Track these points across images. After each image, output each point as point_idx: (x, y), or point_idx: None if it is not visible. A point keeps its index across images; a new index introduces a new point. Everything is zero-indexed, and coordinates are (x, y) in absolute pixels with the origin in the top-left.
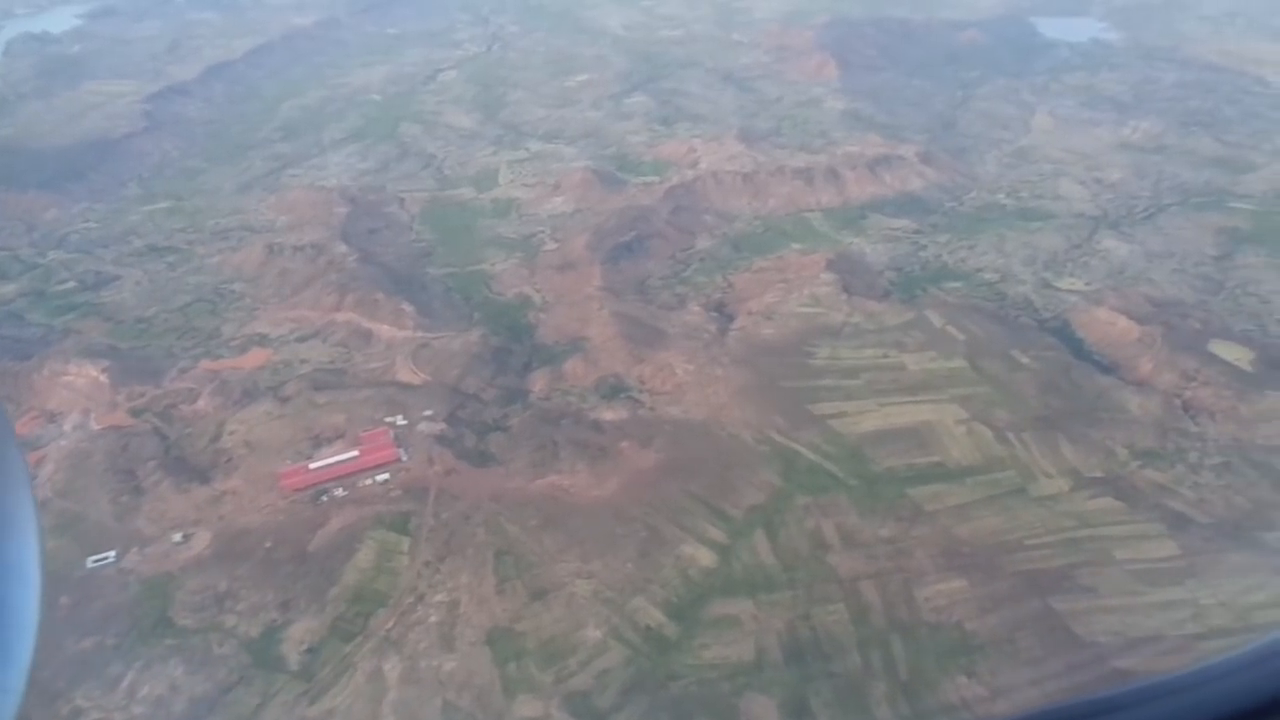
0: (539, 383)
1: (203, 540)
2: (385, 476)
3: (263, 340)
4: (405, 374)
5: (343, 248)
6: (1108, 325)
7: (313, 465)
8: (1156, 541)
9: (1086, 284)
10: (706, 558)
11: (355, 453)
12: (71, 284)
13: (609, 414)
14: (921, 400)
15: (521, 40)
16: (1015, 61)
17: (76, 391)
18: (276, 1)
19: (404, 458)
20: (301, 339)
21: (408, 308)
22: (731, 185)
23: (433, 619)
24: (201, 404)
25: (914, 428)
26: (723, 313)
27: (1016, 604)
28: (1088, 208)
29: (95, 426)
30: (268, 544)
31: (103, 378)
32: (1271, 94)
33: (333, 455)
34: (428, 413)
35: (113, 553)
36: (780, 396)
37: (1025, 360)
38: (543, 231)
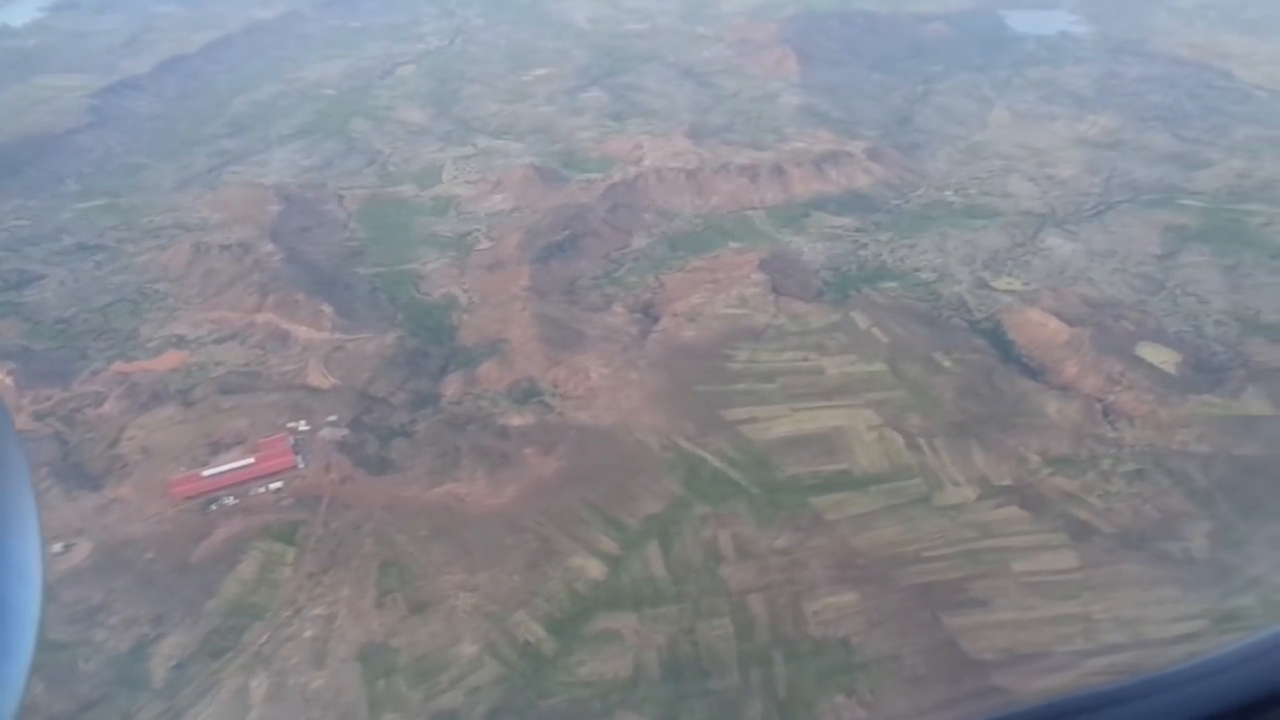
0: (452, 386)
1: (83, 551)
2: (279, 484)
3: (180, 342)
4: (316, 377)
5: (269, 247)
6: (1038, 327)
7: (206, 473)
8: (1057, 553)
9: (1024, 284)
10: (596, 569)
11: (251, 460)
12: None
13: (517, 419)
14: (836, 405)
15: (485, 34)
16: (980, 55)
17: None
18: None
19: (301, 465)
20: (219, 341)
21: (327, 309)
22: (674, 182)
23: (307, 634)
24: (107, 408)
25: (824, 434)
26: (648, 314)
27: (906, 618)
28: (1035, 205)
29: None
30: (149, 555)
31: (8, 380)
32: (1235, 88)
33: (229, 462)
34: (332, 418)
35: None
36: (692, 401)
37: (947, 363)
38: (478, 230)
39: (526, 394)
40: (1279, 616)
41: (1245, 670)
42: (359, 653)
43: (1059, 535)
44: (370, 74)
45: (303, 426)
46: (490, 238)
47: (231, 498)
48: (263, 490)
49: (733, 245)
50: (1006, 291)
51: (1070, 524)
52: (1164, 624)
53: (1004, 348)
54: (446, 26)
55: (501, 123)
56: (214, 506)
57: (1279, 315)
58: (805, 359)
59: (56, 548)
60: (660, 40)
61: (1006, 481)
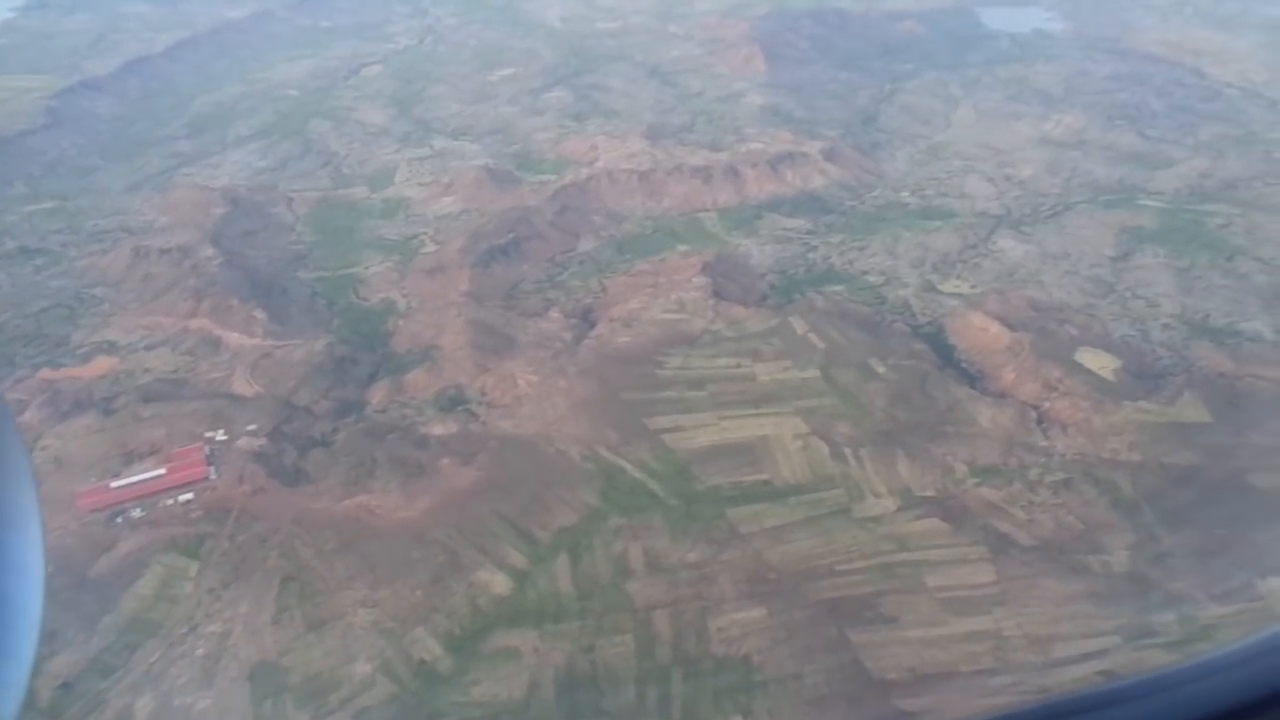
0: (378, 394)
1: None
2: (189, 496)
3: (111, 348)
4: (241, 385)
5: (209, 251)
6: (980, 331)
7: (115, 484)
8: (974, 566)
9: (972, 287)
10: (501, 584)
11: (162, 471)
12: None
13: (439, 429)
14: (764, 413)
15: (456, 33)
16: (951, 54)
17: None
18: None
19: (213, 476)
20: (150, 347)
21: (260, 314)
22: (626, 184)
23: (200, 651)
24: (29, 416)
25: (749, 443)
26: (587, 319)
27: (812, 635)
28: (992, 206)
29: None
30: (48, 569)
31: None
32: (1205, 86)
33: (141, 473)
34: (251, 427)
35: None
36: (619, 409)
37: (881, 370)
38: (425, 233)
39: (452, 402)
40: (1192, 633)
41: (1246, 670)
42: (250, 672)
43: (978, 548)
44: (335, 74)
45: (220, 436)
46: (436, 241)
47: (139, 510)
48: (172, 502)
49: (681, 248)
50: (954, 295)
51: (990, 536)
52: (1074, 641)
53: (945, 353)
54: (418, 26)
55: (461, 124)
56: (120, 519)
57: (1227, 319)
58: (738, 365)
59: None
60: (631, 39)
61: (930, 492)
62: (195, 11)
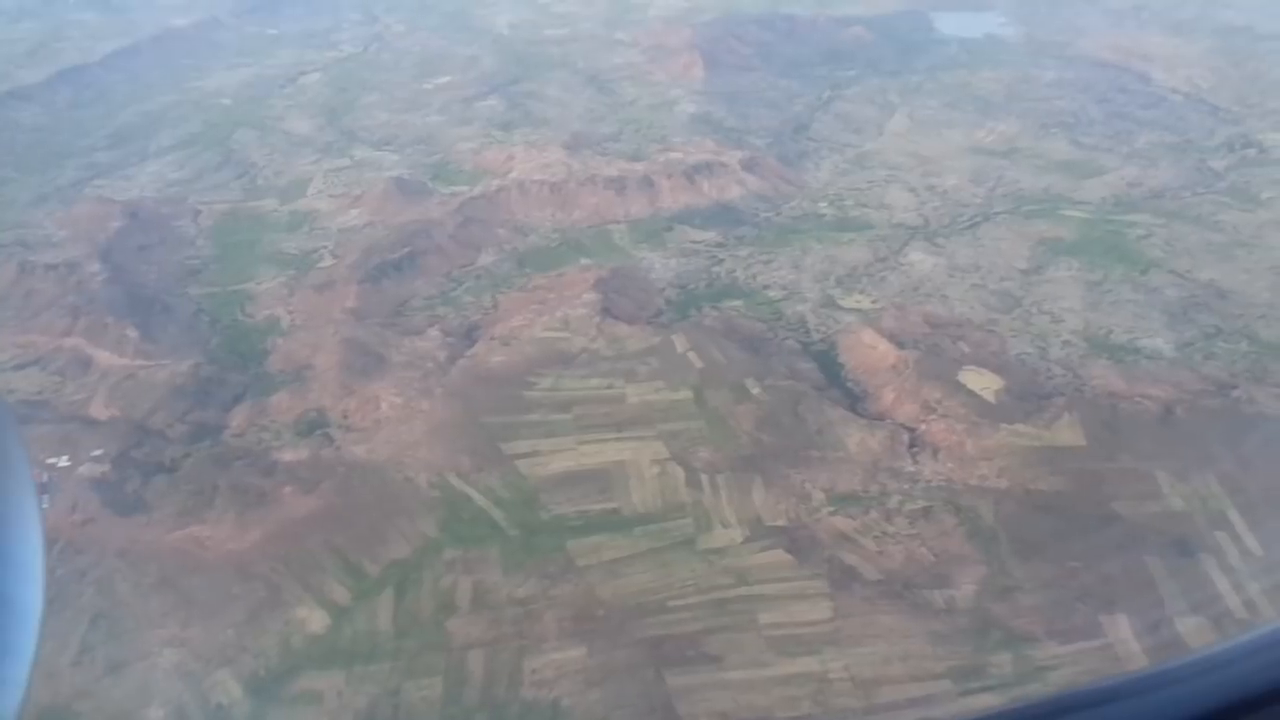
0: (239, 418)
1: None
2: None
3: None
4: (97, 408)
5: (96, 266)
6: (869, 350)
7: None
8: (811, 602)
9: (873, 302)
10: (319, 622)
11: None
12: None
13: (290, 454)
14: (626, 437)
15: (402, 40)
16: (896, 60)
17: None
18: (165, 1)
19: (45, 505)
20: (19, 367)
21: (132, 333)
22: (537, 195)
23: None
24: None
25: (604, 469)
26: (469, 337)
27: (629, 677)
28: (909, 217)
29: None
30: None
31: None
32: (1149, 91)
33: None
34: (97, 452)
35: None
36: (477, 434)
37: (756, 390)
38: (325, 247)
39: (312, 426)
40: (1024, 674)
41: (1248, 665)
42: (38, 718)
43: (819, 582)
44: (272, 83)
45: (63, 462)
46: (335, 255)
47: None
48: None
49: (584, 262)
50: (853, 310)
51: (835, 569)
52: (902, 684)
53: (832, 372)
54: (366, 33)
55: (386, 133)
56: None
57: (1130, 335)
58: (609, 386)
59: None
60: (575, 47)
61: (781, 522)
62: (142, 20)
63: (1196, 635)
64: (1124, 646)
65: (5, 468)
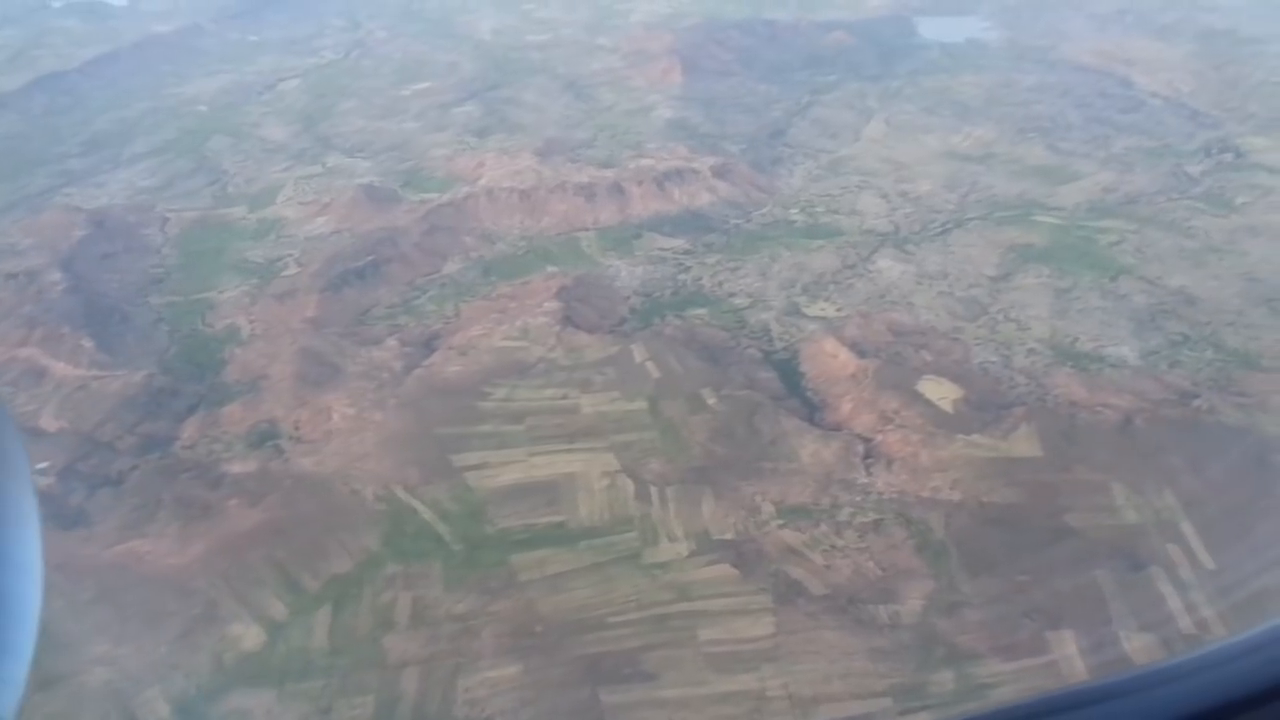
0: (191, 429)
1: None
2: None
3: None
4: (48, 420)
5: (56, 276)
6: (830, 358)
7: None
8: (754, 618)
9: (838, 310)
10: (254, 639)
11: None
12: None
13: (239, 466)
14: (577, 449)
15: (384, 46)
16: (878, 64)
17: None
18: (149, 8)
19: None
20: None
21: (87, 344)
22: (506, 203)
23: None
24: None
25: (553, 481)
26: (429, 347)
27: (563, 695)
28: (880, 224)
29: None
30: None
31: None
32: (1129, 96)
33: None
34: (43, 465)
35: None
36: (428, 445)
37: (712, 401)
38: (291, 255)
39: (263, 437)
40: (966, 692)
41: (1249, 662)
42: None
43: (762, 598)
44: (250, 89)
45: None
46: (300, 263)
47: None
48: None
49: (550, 269)
50: (817, 318)
51: (780, 584)
52: (841, 703)
53: (792, 381)
54: (348, 39)
55: (361, 140)
56: None
57: (1096, 343)
58: (564, 397)
59: None
60: (556, 52)
61: (728, 535)
62: (123, 27)
63: (1142, 652)
64: (1068, 664)
65: (3, 467)
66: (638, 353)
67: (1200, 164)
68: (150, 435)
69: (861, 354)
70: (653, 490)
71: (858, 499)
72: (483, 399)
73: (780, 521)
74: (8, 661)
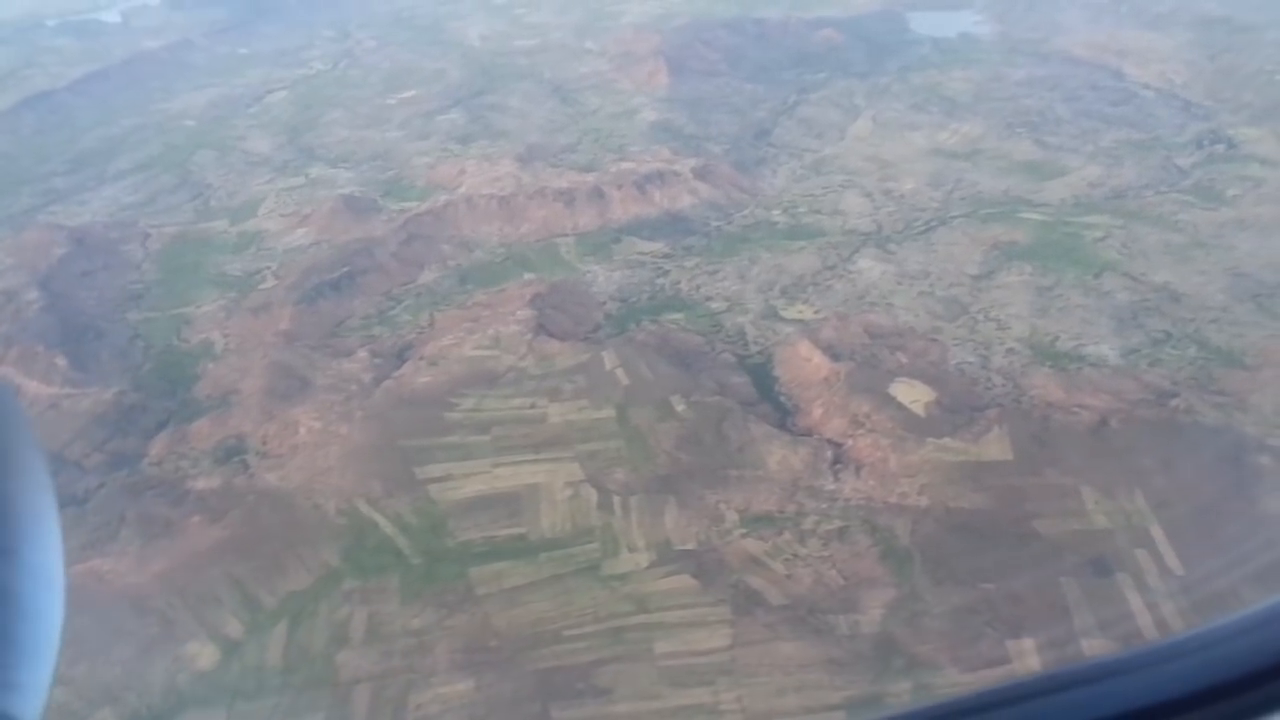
0: (159, 446)
1: None
2: None
3: None
4: None
5: (34, 294)
6: (804, 362)
7: None
8: (711, 630)
9: (815, 312)
10: (209, 657)
11: None
12: None
13: (204, 483)
14: (542, 459)
15: (372, 55)
16: (868, 61)
17: None
18: (142, 24)
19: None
20: None
21: (61, 361)
22: (485, 210)
23: None
24: None
25: (516, 493)
26: (401, 358)
27: (514, 711)
28: (863, 223)
29: None
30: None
31: None
32: (1120, 88)
33: None
34: None
35: None
36: (392, 458)
37: (681, 408)
38: (269, 268)
39: (230, 453)
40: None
41: (1249, 640)
42: None
43: (721, 609)
44: (238, 103)
45: None
46: (277, 276)
47: None
48: None
49: (528, 276)
50: (794, 321)
51: (739, 595)
52: (794, 716)
53: (765, 386)
54: (336, 50)
55: (344, 150)
56: None
57: (1076, 341)
58: (532, 406)
59: None
60: (544, 57)
61: (690, 545)
62: (115, 44)
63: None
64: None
65: (22, 471)
66: (608, 360)
67: (1191, 156)
68: (118, 453)
69: (836, 357)
70: (616, 500)
71: (824, 506)
72: (450, 409)
73: (743, 530)
74: (31, 667)
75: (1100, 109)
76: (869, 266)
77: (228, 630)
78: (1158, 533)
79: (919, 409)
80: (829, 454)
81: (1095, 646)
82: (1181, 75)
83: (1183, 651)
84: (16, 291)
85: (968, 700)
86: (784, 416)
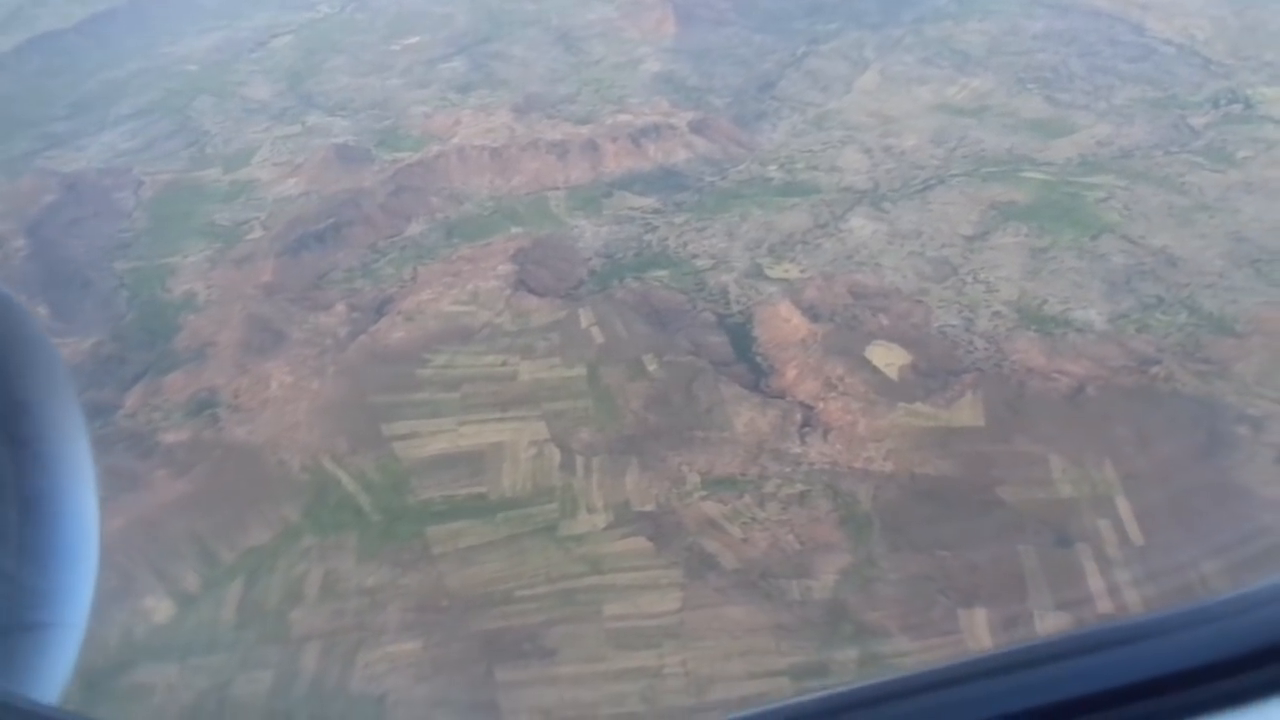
0: (134, 398)
1: None
2: None
3: None
4: None
5: (21, 242)
6: (783, 322)
7: None
8: (661, 593)
9: (801, 271)
10: (164, 612)
11: None
12: None
13: (173, 436)
14: (509, 417)
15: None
16: (881, 12)
17: None
18: None
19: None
20: None
21: (43, 311)
22: (476, 162)
23: None
24: None
25: (480, 451)
26: (379, 312)
27: (459, 672)
28: (859, 180)
29: None
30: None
31: None
32: (1140, 43)
33: None
34: None
35: None
36: (360, 414)
37: (653, 367)
38: (257, 218)
39: (201, 406)
40: (869, 673)
41: (1249, 619)
42: None
43: (674, 572)
44: (242, 46)
45: None
46: (265, 226)
47: None
48: None
49: (515, 230)
50: (779, 280)
51: (693, 558)
52: (738, 682)
53: (743, 346)
54: None
55: (343, 98)
56: None
57: (1064, 306)
58: (504, 363)
59: None
60: (552, 2)
61: (649, 507)
62: None
63: (1055, 633)
64: (977, 643)
65: (58, 415)
66: (584, 317)
67: (1206, 115)
68: (93, 404)
69: (815, 318)
70: (579, 460)
71: (787, 469)
72: (422, 366)
73: (704, 493)
74: (67, 607)
75: (1116, 65)
76: (860, 225)
77: (185, 585)
78: (1123, 504)
79: (893, 372)
80: (798, 417)
81: (1048, 619)
82: (1205, 31)
83: (1183, 624)
84: (3, 239)
85: (959, 668)
86: (758, 378)
